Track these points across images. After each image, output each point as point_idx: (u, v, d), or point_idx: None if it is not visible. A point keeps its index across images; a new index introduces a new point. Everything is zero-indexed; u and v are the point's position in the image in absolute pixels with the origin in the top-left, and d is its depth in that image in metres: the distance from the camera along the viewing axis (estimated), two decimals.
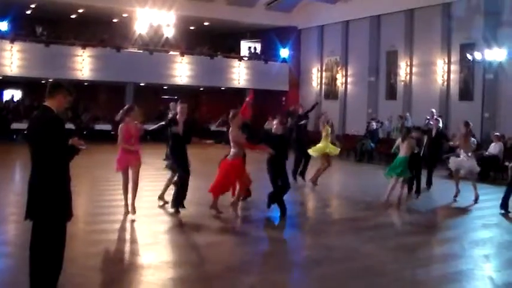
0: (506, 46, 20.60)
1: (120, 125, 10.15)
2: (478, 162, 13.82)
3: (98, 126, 27.46)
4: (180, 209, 10.72)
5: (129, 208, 10.19)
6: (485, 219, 11.50)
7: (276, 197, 10.78)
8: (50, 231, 5.51)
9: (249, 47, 33.87)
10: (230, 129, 10.79)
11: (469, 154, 13.50)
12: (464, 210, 12.73)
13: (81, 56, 26.40)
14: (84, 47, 26.62)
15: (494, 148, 18.09)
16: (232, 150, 10.72)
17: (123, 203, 10.35)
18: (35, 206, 5.47)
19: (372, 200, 13.25)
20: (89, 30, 29.03)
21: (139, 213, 10.34)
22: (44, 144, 5.45)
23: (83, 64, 26.41)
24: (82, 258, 7.35)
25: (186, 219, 10.27)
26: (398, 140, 13.15)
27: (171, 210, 10.83)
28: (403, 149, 12.69)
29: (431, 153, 15.23)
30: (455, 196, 13.65)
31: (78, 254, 7.40)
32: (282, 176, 10.83)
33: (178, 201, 10.75)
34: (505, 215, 11.84)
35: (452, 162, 13.90)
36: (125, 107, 10.43)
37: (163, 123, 11.23)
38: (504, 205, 11.99)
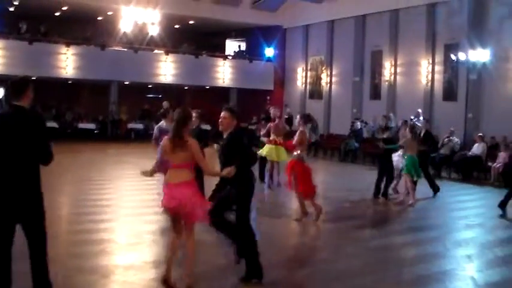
0: (490, 47, 20.72)
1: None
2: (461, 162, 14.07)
3: (82, 125, 27.23)
4: None
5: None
6: (469, 219, 11.58)
7: None
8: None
9: (239, 46, 33.82)
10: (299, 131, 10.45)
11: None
12: (447, 211, 12.81)
13: (65, 54, 26.23)
14: (68, 45, 26.45)
15: (477, 148, 18.22)
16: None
17: (108, 203, 10.14)
18: (26, 210, 5.25)
19: (356, 200, 13.30)
20: (73, 28, 28.84)
21: (123, 212, 10.25)
22: (32, 144, 5.21)
23: (67, 62, 26.22)
24: (65, 259, 7.29)
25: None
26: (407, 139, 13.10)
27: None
28: (412, 149, 12.90)
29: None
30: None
31: (61, 254, 7.33)
32: None
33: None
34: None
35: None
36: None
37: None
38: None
